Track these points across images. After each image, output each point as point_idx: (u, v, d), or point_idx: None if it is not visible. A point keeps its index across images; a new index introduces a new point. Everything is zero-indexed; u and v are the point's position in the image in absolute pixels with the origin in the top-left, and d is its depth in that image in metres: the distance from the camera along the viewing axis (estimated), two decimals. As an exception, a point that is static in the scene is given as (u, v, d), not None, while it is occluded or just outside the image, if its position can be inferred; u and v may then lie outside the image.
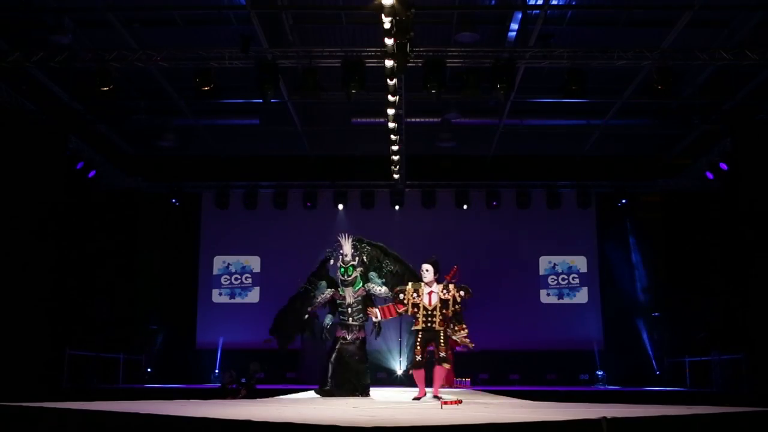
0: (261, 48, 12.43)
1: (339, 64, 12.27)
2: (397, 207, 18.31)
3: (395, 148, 14.89)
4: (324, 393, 9.05)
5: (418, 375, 7.94)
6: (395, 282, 9.19)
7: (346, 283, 9.32)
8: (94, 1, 11.50)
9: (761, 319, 13.81)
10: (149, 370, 17.66)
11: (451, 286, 7.92)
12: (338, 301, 9.44)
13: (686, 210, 17.75)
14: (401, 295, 8.09)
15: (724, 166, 15.76)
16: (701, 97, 14.64)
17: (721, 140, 15.64)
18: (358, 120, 16.18)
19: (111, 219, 17.42)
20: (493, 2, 12.68)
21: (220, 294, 18.61)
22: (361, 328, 9.44)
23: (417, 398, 7.66)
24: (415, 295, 7.96)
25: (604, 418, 3.56)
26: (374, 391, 11.10)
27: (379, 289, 9.38)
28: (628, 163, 18.17)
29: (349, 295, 9.35)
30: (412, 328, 8.03)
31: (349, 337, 9.35)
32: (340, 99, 13.37)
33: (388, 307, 8.42)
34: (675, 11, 11.82)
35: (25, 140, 13.50)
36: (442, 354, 7.83)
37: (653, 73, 12.42)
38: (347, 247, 9.32)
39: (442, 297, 7.87)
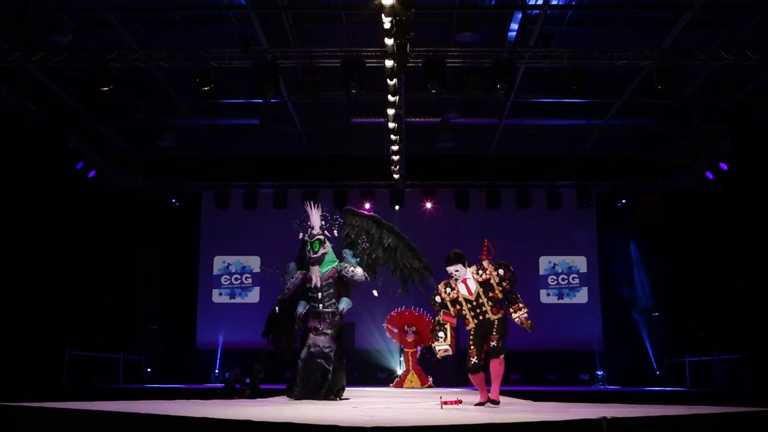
0: (261, 48, 12.43)
1: (339, 64, 12.27)
2: (397, 207, 18.30)
3: (395, 148, 14.88)
4: (291, 397, 7.58)
5: (477, 379, 6.62)
6: (387, 257, 8.13)
7: (312, 261, 7.77)
8: (94, 1, 11.50)
9: (761, 319, 13.81)
10: (149, 370, 17.64)
11: (485, 263, 6.66)
12: (307, 285, 7.85)
13: (686, 210, 17.73)
14: (439, 316, 6.70)
15: (724, 166, 15.75)
16: (701, 97, 14.62)
17: (721, 140, 15.63)
18: (358, 120, 16.15)
19: (111, 219, 17.41)
20: (493, 2, 12.67)
21: (220, 294, 18.61)
22: (336, 315, 7.80)
23: (480, 403, 6.52)
24: (449, 290, 6.67)
25: (604, 418, 3.57)
26: (375, 391, 11.03)
27: (352, 269, 7.84)
28: (628, 163, 18.13)
29: (316, 276, 7.77)
30: (467, 329, 6.67)
31: (320, 327, 7.75)
32: (340, 99, 13.36)
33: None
34: (675, 11, 11.81)
35: (25, 140, 13.51)
36: (494, 343, 6.49)
37: (653, 73, 12.42)
38: (315, 217, 7.90)
39: (480, 279, 6.60)
